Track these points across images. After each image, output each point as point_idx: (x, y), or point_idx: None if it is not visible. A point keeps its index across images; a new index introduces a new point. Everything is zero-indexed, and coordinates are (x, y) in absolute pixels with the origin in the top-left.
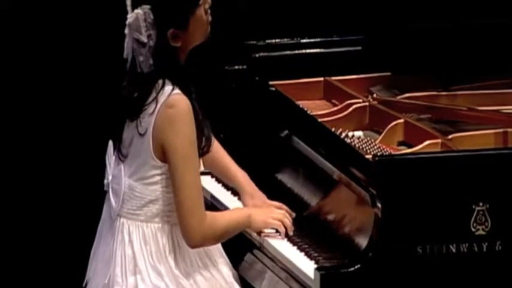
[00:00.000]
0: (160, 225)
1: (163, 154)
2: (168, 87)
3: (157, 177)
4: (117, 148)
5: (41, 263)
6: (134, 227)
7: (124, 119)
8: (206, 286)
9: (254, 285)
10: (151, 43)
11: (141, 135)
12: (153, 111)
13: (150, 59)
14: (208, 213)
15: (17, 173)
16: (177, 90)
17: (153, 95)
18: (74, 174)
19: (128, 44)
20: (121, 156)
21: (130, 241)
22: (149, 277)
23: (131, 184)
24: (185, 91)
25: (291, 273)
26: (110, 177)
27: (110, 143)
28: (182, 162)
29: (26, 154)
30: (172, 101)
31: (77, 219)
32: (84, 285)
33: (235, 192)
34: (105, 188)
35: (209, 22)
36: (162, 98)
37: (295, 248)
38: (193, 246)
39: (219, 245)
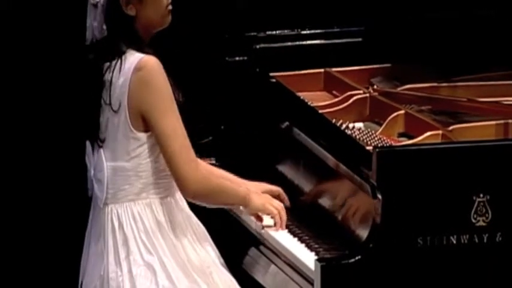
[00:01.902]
0: (148, 200)
1: (142, 122)
2: (133, 56)
3: (139, 150)
4: (95, 136)
5: (34, 263)
6: (123, 209)
7: (96, 103)
8: (197, 260)
9: (256, 277)
10: (102, 1)
11: (115, 111)
12: (124, 82)
13: (104, 24)
14: (203, 165)
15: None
16: (143, 55)
17: (121, 66)
18: (59, 176)
19: (88, 14)
20: (99, 142)
21: (121, 225)
22: (141, 256)
23: (113, 166)
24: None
25: (291, 264)
26: (92, 172)
27: (87, 143)
28: (165, 116)
29: (24, 153)
30: (140, 63)
31: (67, 220)
32: (80, 283)
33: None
34: (90, 193)
35: (168, 8)
36: (130, 66)
37: (296, 239)
38: (189, 194)
39: (206, 232)
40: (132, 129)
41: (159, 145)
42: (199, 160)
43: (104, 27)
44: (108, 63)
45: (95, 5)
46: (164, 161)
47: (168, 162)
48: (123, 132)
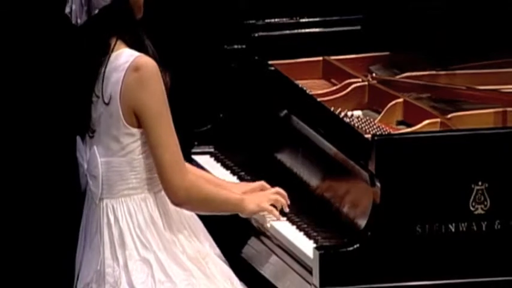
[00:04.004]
0: (143, 195)
1: (136, 119)
2: (128, 53)
3: (133, 146)
4: (86, 128)
5: (28, 259)
6: (118, 204)
7: (88, 91)
8: (193, 252)
9: (254, 265)
10: None
11: (107, 104)
12: (118, 79)
13: None
14: (192, 172)
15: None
16: (138, 54)
17: (116, 63)
18: (50, 171)
19: None
20: (90, 133)
21: (116, 219)
22: (137, 251)
23: (107, 161)
24: (141, 49)
25: (290, 252)
26: (85, 167)
27: (78, 139)
28: (157, 120)
29: (16, 150)
30: (137, 63)
31: (60, 215)
32: (76, 278)
33: (234, 171)
34: (83, 187)
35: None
36: (125, 65)
37: (295, 227)
38: (177, 203)
39: (200, 223)
40: (126, 124)
41: (150, 149)
42: (191, 166)
43: None
44: (102, 58)
45: None
46: None
47: (157, 168)
48: (116, 128)
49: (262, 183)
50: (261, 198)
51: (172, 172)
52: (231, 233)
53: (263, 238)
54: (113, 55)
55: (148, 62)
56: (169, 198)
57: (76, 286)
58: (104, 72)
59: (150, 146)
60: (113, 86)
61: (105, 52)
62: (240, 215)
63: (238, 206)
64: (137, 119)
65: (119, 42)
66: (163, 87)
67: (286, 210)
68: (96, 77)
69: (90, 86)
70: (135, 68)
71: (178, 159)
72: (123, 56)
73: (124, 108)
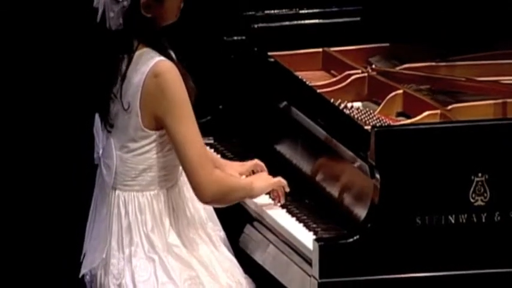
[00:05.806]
0: (156, 191)
1: (155, 122)
2: (148, 56)
3: (149, 146)
4: (104, 119)
5: (36, 239)
6: (130, 198)
7: (107, 88)
8: (197, 252)
9: (254, 257)
10: (126, 3)
11: (126, 109)
12: (138, 83)
13: (121, 18)
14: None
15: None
16: (159, 57)
17: (137, 65)
18: (62, 149)
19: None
20: (108, 127)
21: (126, 213)
22: (143, 249)
23: (122, 156)
24: (162, 53)
25: (289, 244)
26: (101, 151)
27: (97, 116)
28: (181, 122)
29: (21, 143)
30: (157, 69)
31: (69, 194)
32: (81, 260)
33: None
34: (96, 162)
35: (180, 8)
36: (145, 68)
37: (294, 219)
38: (207, 199)
39: (213, 213)
40: (143, 128)
41: (176, 151)
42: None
43: (121, 21)
44: (122, 56)
45: (116, 0)
46: (173, 156)
47: (184, 168)
48: (134, 130)
49: (256, 161)
50: (267, 178)
51: (201, 169)
52: (229, 222)
53: (261, 228)
54: (136, 54)
55: (167, 66)
56: (200, 196)
57: (82, 261)
58: (126, 72)
59: (175, 146)
60: (133, 89)
61: (126, 51)
62: (249, 199)
63: (249, 190)
64: (156, 123)
65: (141, 44)
66: (184, 89)
67: (283, 201)
68: (117, 74)
69: (109, 83)
70: (155, 73)
71: (206, 156)
72: (144, 58)
73: (144, 113)
